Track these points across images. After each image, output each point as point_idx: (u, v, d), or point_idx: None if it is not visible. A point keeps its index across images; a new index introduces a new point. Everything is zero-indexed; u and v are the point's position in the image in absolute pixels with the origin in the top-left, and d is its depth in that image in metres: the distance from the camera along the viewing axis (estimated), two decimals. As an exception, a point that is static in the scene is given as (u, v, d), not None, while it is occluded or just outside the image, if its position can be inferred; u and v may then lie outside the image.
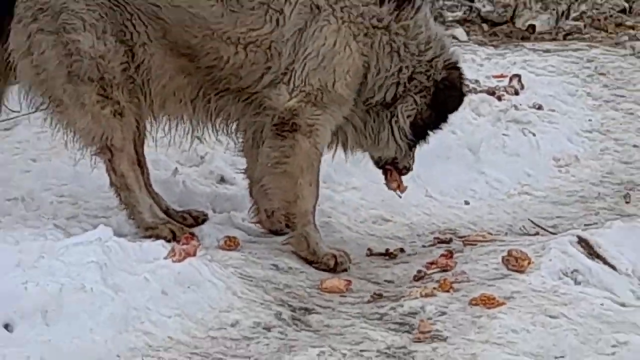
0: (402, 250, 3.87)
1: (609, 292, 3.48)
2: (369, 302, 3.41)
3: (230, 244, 3.54)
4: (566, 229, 4.09)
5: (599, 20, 8.15)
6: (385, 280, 3.71)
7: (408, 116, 3.64)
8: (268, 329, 3.09)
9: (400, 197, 4.03)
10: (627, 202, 4.69)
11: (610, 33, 7.31)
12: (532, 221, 4.44)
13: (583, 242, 3.66)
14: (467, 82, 4.12)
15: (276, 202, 3.58)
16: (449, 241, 4.03)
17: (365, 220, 4.33)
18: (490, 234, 4.20)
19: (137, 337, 2.83)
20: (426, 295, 3.33)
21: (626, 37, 7.02)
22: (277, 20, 3.49)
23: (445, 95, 3.67)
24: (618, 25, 8.02)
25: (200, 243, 3.47)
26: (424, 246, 4.03)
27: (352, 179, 4.69)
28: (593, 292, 3.42)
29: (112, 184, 3.66)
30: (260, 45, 3.51)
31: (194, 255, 3.21)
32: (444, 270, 3.63)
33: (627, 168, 5.28)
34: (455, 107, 3.85)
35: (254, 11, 3.53)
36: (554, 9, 8.34)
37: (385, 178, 3.83)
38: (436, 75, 3.65)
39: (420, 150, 4.12)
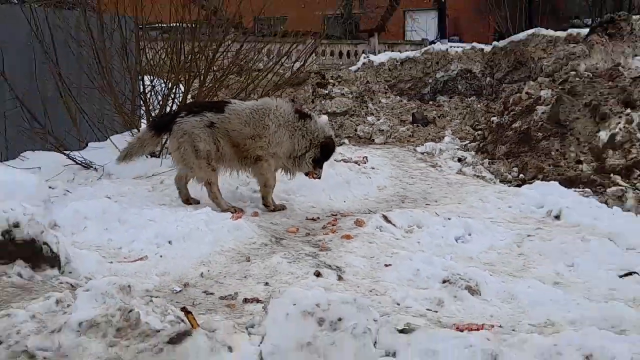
0: (319, 217, 6.94)
1: (391, 234, 6.31)
2: (305, 235, 6.31)
3: (254, 214, 6.81)
4: (379, 211, 6.74)
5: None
6: (312, 228, 6.54)
7: (310, 157, 7.10)
8: (266, 244, 5.97)
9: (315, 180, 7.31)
10: (402, 203, 7.70)
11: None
12: (369, 209, 7.36)
13: (384, 216, 6.61)
14: (335, 142, 7.30)
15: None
16: (336, 214, 7.06)
17: (306, 207, 7.38)
18: (352, 213, 7.22)
19: (216, 249, 5.71)
20: (324, 234, 6.26)
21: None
22: (264, 128, 6.98)
23: (324, 148, 7.13)
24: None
25: (244, 213, 6.70)
26: (327, 216, 7.00)
27: (304, 192, 7.79)
28: (386, 234, 6.29)
29: (210, 195, 7.03)
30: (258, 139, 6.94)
31: (240, 218, 6.39)
32: (332, 224, 6.59)
33: (405, 192, 8.35)
34: (329, 153, 7.21)
35: (258, 128, 7.02)
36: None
37: (307, 175, 7.21)
38: (320, 141, 7.11)
39: (332, 182, 7.82)
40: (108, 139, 8.80)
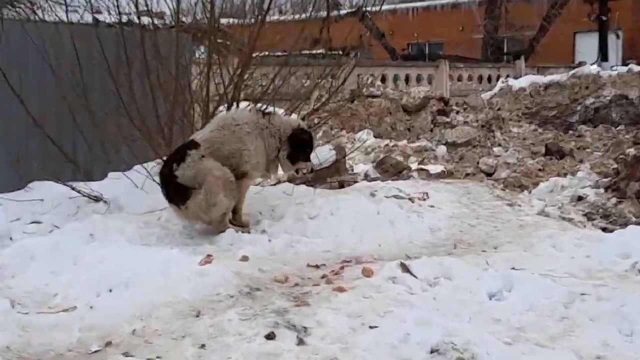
0: (324, 264, 6.32)
1: (407, 286, 5.63)
2: (293, 286, 5.72)
3: (242, 258, 6.25)
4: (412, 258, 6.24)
5: None
6: (308, 278, 5.94)
7: (283, 155, 7.30)
8: (232, 296, 5.43)
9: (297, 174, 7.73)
10: (454, 248, 7.14)
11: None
12: (407, 255, 6.74)
13: (402, 265, 5.90)
14: (307, 131, 7.38)
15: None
16: (350, 261, 6.42)
17: (317, 251, 6.84)
18: (375, 260, 6.54)
19: (164, 300, 5.24)
20: (314, 285, 5.65)
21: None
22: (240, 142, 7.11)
23: (293, 139, 7.27)
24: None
25: (212, 258, 6.04)
26: (337, 263, 6.39)
27: (323, 232, 7.27)
28: (398, 287, 5.57)
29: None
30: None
31: (210, 263, 5.93)
32: (336, 273, 6.00)
33: (462, 236, 7.69)
34: (301, 144, 7.33)
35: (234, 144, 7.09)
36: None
37: (297, 173, 7.64)
38: (288, 134, 7.27)
39: (369, 221, 7.45)
40: (133, 169, 8.77)
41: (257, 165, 7.27)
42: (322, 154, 9.41)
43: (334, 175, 9.59)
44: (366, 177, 10.13)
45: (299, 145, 7.40)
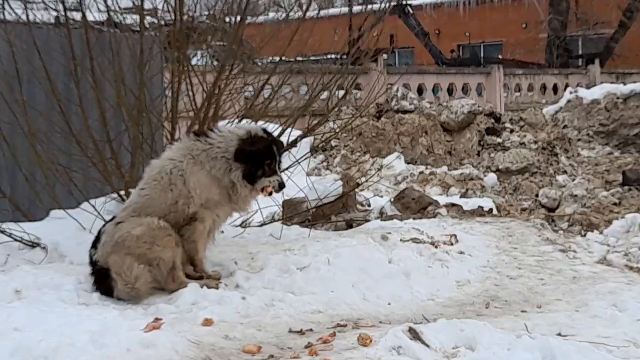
0: (311, 330, 6.17)
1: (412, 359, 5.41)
2: (267, 358, 5.56)
3: (206, 322, 6.14)
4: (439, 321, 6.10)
5: None
6: (287, 348, 5.80)
7: (236, 176, 7.06)
8: None
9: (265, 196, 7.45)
10: (486, 308, 7.06)
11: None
12: (424, 316, 6.66)
13: (412, 330, 5.75)
14: (258, 137, 7.05)
15: None
16: (345, 325, 6.30)
17: (305, 312, 6.69)
18: (382, 324, 6.47)
19: None
20: (292, 358, 5.52)
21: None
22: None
23: (239, 154, 7.01)
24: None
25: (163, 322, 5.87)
26: (327, 328, 6.24)
27: (317, 287, 7.14)
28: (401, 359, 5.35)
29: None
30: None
31: (158, 328, 5.74)
32: (325, 342, 5.83)
33: (497, 291, 7.61)
34: (251, 156, 7.04)
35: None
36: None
37: (263, 193, 7.22)
38: (233, 149, 7.00)
39: (377, 272, 7.37)
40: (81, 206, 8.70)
41: (208, 203, 7.12)
42: (324, 186, 9.17)
43: (340, 212, 9.37)
44: (381, 214, 9.96)
45: (251, 159, 7.14)
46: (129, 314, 6.24)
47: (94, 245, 6.93)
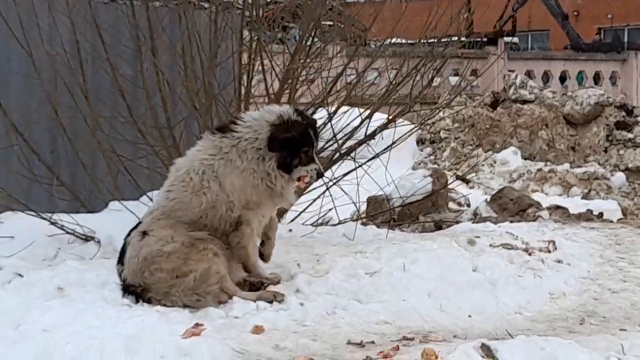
0: (372, 342, 6.15)
1: None
2: None
3: (256, 330, 6.19)
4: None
5: None
6: None
7: (270, 167, 6.96)
8: None
9: (300, 187, 7.55)
10: (580, 324, 6.93)
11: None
12: (507, 331, 6.58)
13: (484, 346, 5.67)
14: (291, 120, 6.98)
15: None
16: (412, 339, 6.24)
17: (369, 323, 6.68)
18: (456, 339, 6.38)
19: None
20: None
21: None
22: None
23: (272, 142, 6.93)
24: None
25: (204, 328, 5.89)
26: (392, 341, 6.18)
27: (386, 295, 7.14)
28: None
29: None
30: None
31: (199, 335, 5.76)
32: (385, 357, 5.76)
33: (596, 305, 7.46)
34: (284, 142, 6.96)
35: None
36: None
37: (298, 182, 7.19)
38: (264, 138, 6.94)
39: (458, 280, 7.34)
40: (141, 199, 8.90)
41: (249, 205, 7.08)
42: (412, 182, 9.06)
43: (430, 212, 9.24)
44: (475, 215, 9.75)
45: (286, 146, 7.04)
46: (174, 317, 6.28)
47: (120, 260, 6.96)
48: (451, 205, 11.33)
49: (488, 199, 10.71)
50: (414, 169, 14.53)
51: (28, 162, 8.83)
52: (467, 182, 17.15)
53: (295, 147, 7.05)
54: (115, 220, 8.46)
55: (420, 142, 19.46)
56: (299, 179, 7.21)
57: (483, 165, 17.21)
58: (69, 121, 9.07)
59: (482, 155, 17.76)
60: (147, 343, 5.63)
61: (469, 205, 11.13)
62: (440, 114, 18.78)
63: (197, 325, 6.05)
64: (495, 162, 17.00)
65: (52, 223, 8.24)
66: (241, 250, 7.12)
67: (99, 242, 8.23)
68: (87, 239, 8.30)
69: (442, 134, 18.54)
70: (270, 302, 6.81)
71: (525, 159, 17.19)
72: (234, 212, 7.04)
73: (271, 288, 7.07)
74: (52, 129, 9.31)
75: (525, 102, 18.49)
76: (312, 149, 7.15)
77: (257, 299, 6.79)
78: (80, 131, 9.21)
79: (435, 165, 17.67)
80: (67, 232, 8.29)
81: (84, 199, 9.05)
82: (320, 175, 7.22)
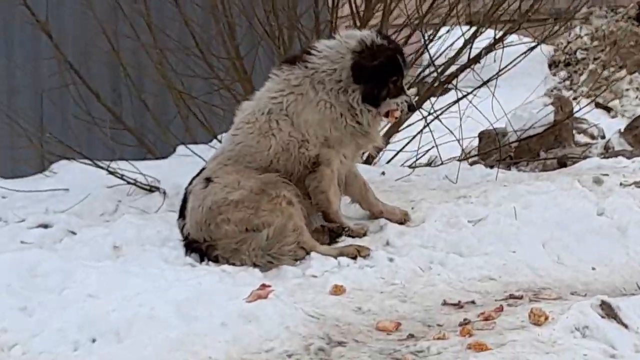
0: (473, 302, 6.16)
1: (608, 345, 5.30)
2: (405, 339, 5.51)
3: (335, 290, 6.21)
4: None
5: None
6: (438, 324, 5.78)
7: (354, 99, 7.00)
8: (290, 356, 5.32)
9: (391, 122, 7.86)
10: None
11: None
12: (638, 285, 6.63)
13: (604, 304, 5.59)
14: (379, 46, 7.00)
15: None
16: (520, 297, 6.23)
17: (472, 279, 6.71)
18: (575, 293, 6.41)
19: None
20: (436, 338, 5.38)
21: None
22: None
23: (357, 71, 6.95)
24: None
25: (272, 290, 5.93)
26: (496, 300, 6.17)
27: (493, 246, 7.14)
28: (588, 344, 5.25)
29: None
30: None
31: (266, 297, 5.76)
32: (486, 319, 5.72)
33: None
34: (373, 72, 6.97)
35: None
36: None
37: (388, 118, 7.33)
38: (348, 66, 6.98)
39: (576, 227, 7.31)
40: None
41: (329, 142, 7.08)
42: (530, 113, 8.86)
43: (552, 147, 9.02)
44: (606, 149, 9.50)
45: (374, 76, 7.03)
46: (241, 277, 6.36)
47: (181, 212, 7.02)
48: (582, 138, 11.08)
49: (622, 129, 10.38)
50: (547, 96, 14.20)
51: (85, 104, 8.94)
52: (608, 110, 16.74)
53: (383, 76, 7.04)
54: (183, 168, 8.52)
55: (553, 65, 19.03)
56: (387, 115, 7.21)
57: (628, 90, 16.75)
58: (131, 55, 9.20)
59: (627, 77, 17.24)
60: (205, 308, 5.66)
61: (603, 137, 10.84)
62: (577, 30, 18.39)
63: (263, 286, 6.08)
64: (642, 85, 16.52)
65: (111, 172, 8.37)
66: (320, 195, 7.14)
67: (164, 192, 8.30)
68: (151, 189, 8.44)
69: (579, 55, 18.10)
70: (354, 257, 6.79)
71: (683, 82, 16.68)
72: (309, 151, 7.08)
73: (357, 242, 7.05)
74: (113, 65, 9.35)
75: (677, 12, 17.87)
76: (402, 78, 7.15)
77: (338, 254, 6.77)
78: (144, 66, 9.33)
79: (571, 92, 17.27)
80: (128, 183, 8.43)
81: (151, 144, 9.14)
82: (412, 108, 7.23)
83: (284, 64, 7.31)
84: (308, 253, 6.79)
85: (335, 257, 6.73)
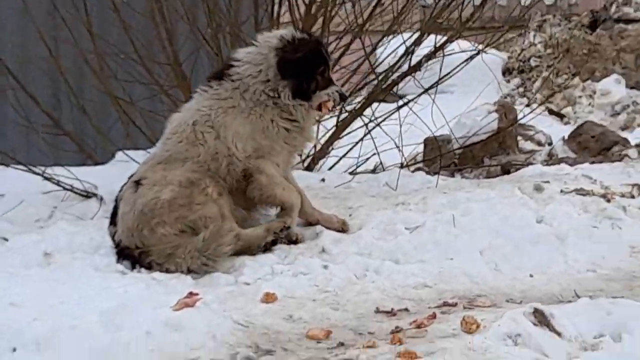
0: (406, 309, 6.12)
1: (540, 353, 5.27)
2: (334, 347, 5.49)
3: (266, 297, 6.18)
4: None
5: None
6: (369, 332, 5.75)
7: (284, 95, 7.03)
8: None
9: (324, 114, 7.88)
10: None
11: None
12: (576, 292, 6.53)
13: (537, 312, 5.57)
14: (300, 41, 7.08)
15: None
16: (454, 305, 6.20)
17: (406, 286, 6.63)
18: (511, 300, 6.38)
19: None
20: (366, 347, 5.37)
21: None
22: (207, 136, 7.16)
23: (282, 66, 7.00)
24: None
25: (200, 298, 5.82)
26: (429, 308, 6.13)
27: (430, 253, 7.13)
28: (520, 352, 5.23)
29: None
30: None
31: (193, 305, 5.68)
32: (418, 327, 5.72)
33: None
34: (299, 65, 7.03)
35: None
36: None
37: (321, 111, 7.34)
38: (272, 64, 7.02)
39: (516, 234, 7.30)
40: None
41: (259, 152, 7.13)
42: (473, 120, 8.85)
43: (497, 154, 9.01)
44: (550, 156, 9.51)
45: (300, 69, 7.08)
46: (172, 285, 6.33)
47: (112, 220, 6.98)
48: (528, 145, 11.08)
49: (566, 137, 10.39)
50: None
51: (24, 109, 8.90)
52: (561, 117, 16.81)
53: (309, 68, 7.13)
54: (121, 173, 8.22)
55: (507, 72, 19.11)
56: (319, 108, 7.27)
57: (580, 97, 16.84)
58: (71, 60, 9.07)
59: (580, 85, 17.35)
60: (130, 317, 5.57)
61: (550, 144, 10.85)
62: (531, 38, 18.46)
63: (191, 294, 6.01)
64: (594, 92, 16.63)
65: (47, 178, 8.29)
66: (269, 199, 7.25)
67: (101, 198, 8.24)
68: (87, 195, 8.37)
69: (533, 62, 18.21)
70: (295, 242, 7.01)
71: (631, 87, 16.84)
72: (237, 167, 7.13)
73: (292, 247, 7.14)
74: (52, 70, 9.30)
75: (629, 21, 18.08)
76: (328, 69, 7.23)
77: (265, 230, 6.96)
78: (84, 72, 9.40)
79: (525, 99, 17.33)
80: (65, 189, 8.34)
81: (91, 150, 9.01)
82: (343, 97, 7.28)
83: (212, 80, 7.33)
84: (233, 239, 6.82)
85: (264, 236, 6.99)
